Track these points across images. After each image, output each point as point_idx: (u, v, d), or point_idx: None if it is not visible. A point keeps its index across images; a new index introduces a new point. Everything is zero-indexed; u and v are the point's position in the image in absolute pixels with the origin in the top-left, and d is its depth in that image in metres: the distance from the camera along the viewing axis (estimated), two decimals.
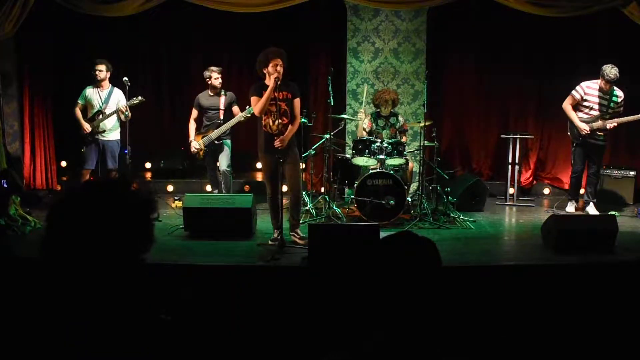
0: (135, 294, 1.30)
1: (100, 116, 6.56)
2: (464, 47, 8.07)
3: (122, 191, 1.34)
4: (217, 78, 6.41)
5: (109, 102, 6.59)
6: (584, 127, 6.40)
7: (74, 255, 1.26)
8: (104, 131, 6.60)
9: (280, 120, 5.16)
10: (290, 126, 5.19)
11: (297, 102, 5.24)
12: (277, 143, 5.10)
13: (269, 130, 5.16)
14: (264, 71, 5.11)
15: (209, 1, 6.40)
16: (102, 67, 6.52)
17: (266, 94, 5.03)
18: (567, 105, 6.56)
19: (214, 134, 6.37)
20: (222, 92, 6.46)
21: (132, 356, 1.26)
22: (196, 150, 6.44)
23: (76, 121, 6.61)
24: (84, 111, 6.64)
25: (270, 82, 5.03)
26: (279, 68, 5.02)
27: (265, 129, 5.19)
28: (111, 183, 1.37)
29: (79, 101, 6.62)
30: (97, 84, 6.58)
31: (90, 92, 6.61)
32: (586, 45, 7.66)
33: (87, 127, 6.53)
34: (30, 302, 1.27)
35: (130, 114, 6.40)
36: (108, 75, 6.59)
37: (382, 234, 4.66)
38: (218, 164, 6.51)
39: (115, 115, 6.57)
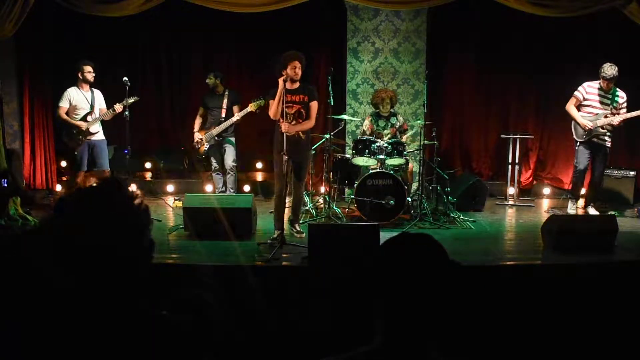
0: (133, 292, 1.30)
1: (91, 117, 6.52)
2: (464, 47, 8.06)
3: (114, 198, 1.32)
4: (210, 79, 6.89)
5: (94, 102, 6.58)
6: (587, 124, 6.40)
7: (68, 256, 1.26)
8: (92, 132, 6.57)
9: (295, 122, 5.32)
10: (302, 122, 5.33)
11: (313, 105, 5.38)
12: (283, 127, 5.15)
13: (283, 132, 5.21)
14: (282, 73, 5.22)
15: (209, 1, 6.41)
16: (91, 68, 6.51)
17: (277, 96, 5.19)
18: (570, 106, 6.56)
19: (216, 130, 6.70)
20: (226, 92, 6.82)
21: (131, 353, 1.26)
22: (198, 141, 6.80)
23: (64, 123, 6.50)
24: (67, 114, 6.51)
25: (280, 84, 5.18)
26: (297, 70, 5.21)
27: (281, 130, 5.24)
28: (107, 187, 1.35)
29: (63, 104, 6.46)
30: (81, 85, 6.51)
31: (74, 93, 6.50)
32: (586, 45, 7.66)
33: (84, 125, 6.47)
34: (29, 300, 1.27)
35: (128, 113, 6.36)
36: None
37: (382, 235, 4.67)
38: (223, 162, 6.83)
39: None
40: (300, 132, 5.37)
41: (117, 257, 1.28)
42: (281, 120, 5.23)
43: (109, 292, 1.27)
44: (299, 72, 5.24)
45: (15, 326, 1.24)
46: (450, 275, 1.40)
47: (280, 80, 5.17)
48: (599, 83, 6.39)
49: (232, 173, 6.77)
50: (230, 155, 6.77)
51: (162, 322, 1.32)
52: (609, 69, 6.22)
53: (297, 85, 5.33)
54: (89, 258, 1.25)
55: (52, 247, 1.25)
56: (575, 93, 6.53)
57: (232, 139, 6.81)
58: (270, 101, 5.33)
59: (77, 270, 1.25)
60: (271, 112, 5.32)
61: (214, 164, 6.87)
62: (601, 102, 6.43)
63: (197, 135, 6.82)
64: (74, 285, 1.24)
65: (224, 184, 6.90)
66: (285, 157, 5.18)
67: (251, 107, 6.45)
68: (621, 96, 6.41)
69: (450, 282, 1.39)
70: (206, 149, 6.78)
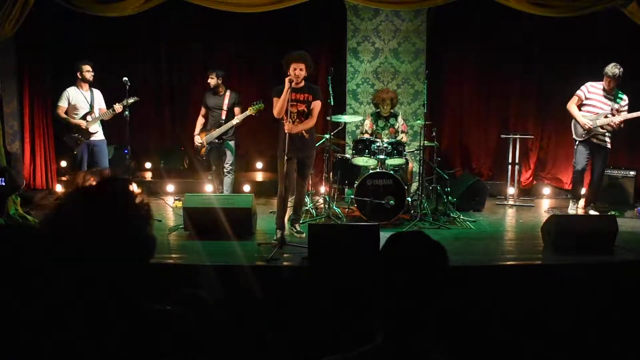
0: (133, 289, 1.30)
1: (90, 117, 6.50)
2: (464, 47, 8.06)
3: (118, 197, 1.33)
4: (213, 79, 6.71)
5: (94, 102, 6.56)
6: (587, 122, 6.40)
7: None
8: (92, 132, 6.54)
9: (298, 121, 5.33)
10: (304, 120, 5.36)
11: (315, 104, 5.41)
12: (286, 127, 5.16)
13: (286, 131, 5.21)
14: (288, 72, 5.25)
15: (209, 1, 6.40)
16: (90, 68, 6.49)
17: (283, 95, 5.19)
18: (571, 104, 6.56)
19: (216, 132, 6.63)
20: (227, 93, 6.73)
21: (134, 349, 1.26)
22: (198, 145, 6.75)
23: (64, 123, 6.48)
24: (66, 114, 6.49)
25: (286, 84, 5.18)
26: (297, 72, 5.20)
27: (284, 129, 5.24)
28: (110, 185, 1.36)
29: (62, 104, 6.44)
30: (80, 84, 6.50)
31: (73, 93, 6.49)
32: (586, 45, 7.66)
33: (84, 123, 6.45)
34: (29, 299, 1.27)
35: (128, 113, 6.36)
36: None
37: (382, 235, 4.67)
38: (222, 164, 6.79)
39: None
40: (304, 131, 5.37)
41: (116, 254, 1.28)
42: (285, 119, 5.23)
43: (109, 289, 1.27)
44: (301, 73, 5.23)
45: (15, 326, 1.24)
46: (445, 271, 1.40)
47: (287, 80, 5.17)
48: (602, 83, 6.40)
49: (229, 176, 6.75)
50: (227, 159, 6.74)
51: (166, 316, 1.32)
52: (613, 69, 6.23)
53: (302, 84, 5.34)
54: (88, 256, 1.25)
55: (51, 246, 1.26)
56: (578, 92, 6.53)
57: (232, 143, 6.75)
58: (275, 99, 5.32)
59: (77, 268, 1.25)
60: (275, 111, 5.32)
61: (214, 166, 6.85)
62: (603, 103, 6.43)
63: (197, 139, 6.74)
64: (73, 283, 1.24)
65: (218, 184, 6.88)
66: (286, 158, 5.19)
67: (250, 111, 6.43)
68: (623, 98, 6.42)
69: (446, 279, 1.39)
70: (207, 150, 6.74)
